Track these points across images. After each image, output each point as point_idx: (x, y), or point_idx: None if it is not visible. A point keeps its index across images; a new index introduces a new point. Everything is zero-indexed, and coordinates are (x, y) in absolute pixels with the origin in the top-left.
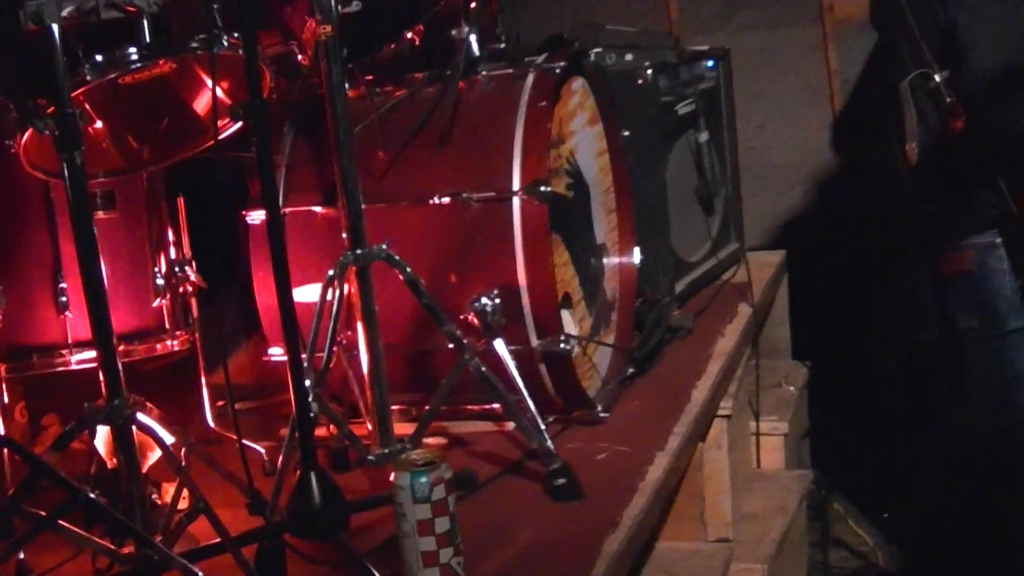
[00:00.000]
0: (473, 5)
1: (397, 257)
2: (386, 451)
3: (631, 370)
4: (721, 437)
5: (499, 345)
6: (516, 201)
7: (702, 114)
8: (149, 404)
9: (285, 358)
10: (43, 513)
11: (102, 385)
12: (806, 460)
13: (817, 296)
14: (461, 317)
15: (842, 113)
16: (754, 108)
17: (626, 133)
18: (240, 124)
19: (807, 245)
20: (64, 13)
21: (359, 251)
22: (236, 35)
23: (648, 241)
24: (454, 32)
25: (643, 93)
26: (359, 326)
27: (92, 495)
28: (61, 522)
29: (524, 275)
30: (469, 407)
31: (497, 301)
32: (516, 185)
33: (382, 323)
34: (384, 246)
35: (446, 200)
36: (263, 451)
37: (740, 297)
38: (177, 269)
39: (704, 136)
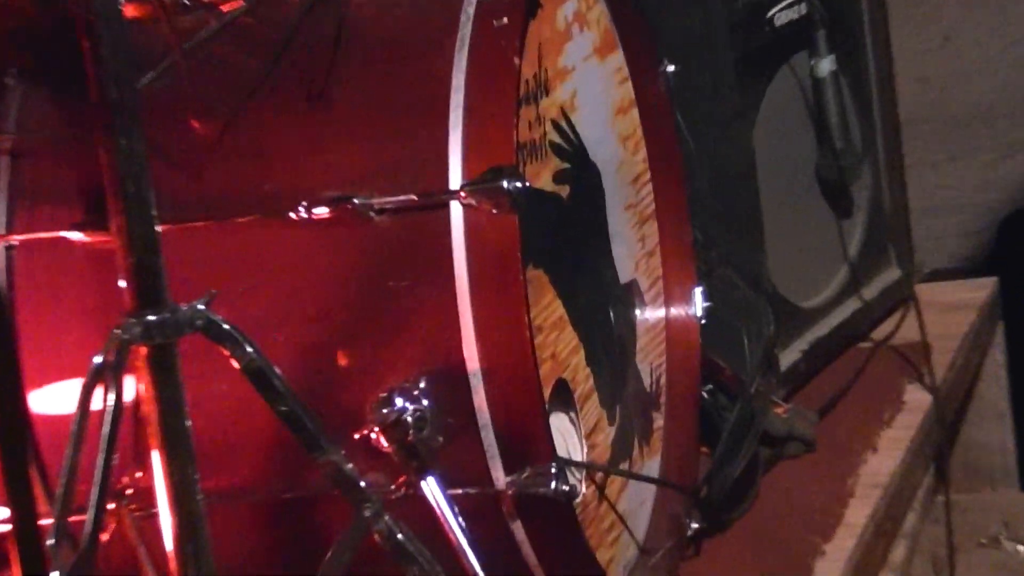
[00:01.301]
0: None
1: (228, 326)
2: None
3: (695, 524)
4: None
5: (432, 487)
6: (457, 210)
7: (821, 24)
8: None
9: (10, 526)
10: None
11: None
12: None
13: None
14: (358, 435)
15: None
16: (928, 3)
17: (671, 68)
18: None
19: None
20: None
21: (154, 316)
22: None
23: (723, 272)
24: None
25: None
26: (156, 459)
27: None
28: None
29: (477, 349)
30: None
31: (426, 403)
32: (456, 178)
33: (206, 452)
34: (202, 305)
35: (323, 211)
36: None
37: (908, 373)
38: None
39: (827, 64)
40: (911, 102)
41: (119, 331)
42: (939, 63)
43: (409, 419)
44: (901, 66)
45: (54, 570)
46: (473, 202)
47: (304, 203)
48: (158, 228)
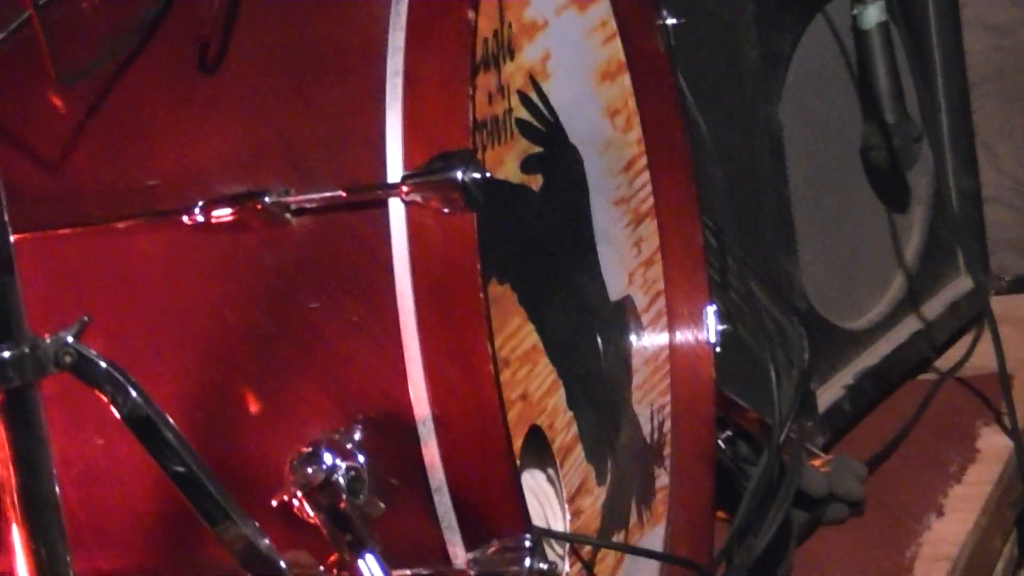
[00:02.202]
0: None
1: (105, 363)
2: None
3: None
4: None
5: (371, 567)
6: (397, 209)
7: None
8: None
9: None
10: None
11: None
12: None
13: None
14: (275, 501)
15: None
16: None
17: (671, 21)
18: None
19: None
20: None
21: (9, 351)
22: None
23: (743, 286)
24: None
25: None
26: (16, 535)
27: None
28: None
29: (426, 390)
30: None
31: (362, 459)
32: (396, 168)
33: (80, 525)
34: (71, 336)
35: (224, 212)
36: None
37: (983, 413)
38: None
39: (874, 13)
40: (984, 58)
41: None
42: (1020, 7)
43: (341, 480)
44: (971, 12)
45: None
46: (418, 198)
47: (200, 202)
48: (11, 236)
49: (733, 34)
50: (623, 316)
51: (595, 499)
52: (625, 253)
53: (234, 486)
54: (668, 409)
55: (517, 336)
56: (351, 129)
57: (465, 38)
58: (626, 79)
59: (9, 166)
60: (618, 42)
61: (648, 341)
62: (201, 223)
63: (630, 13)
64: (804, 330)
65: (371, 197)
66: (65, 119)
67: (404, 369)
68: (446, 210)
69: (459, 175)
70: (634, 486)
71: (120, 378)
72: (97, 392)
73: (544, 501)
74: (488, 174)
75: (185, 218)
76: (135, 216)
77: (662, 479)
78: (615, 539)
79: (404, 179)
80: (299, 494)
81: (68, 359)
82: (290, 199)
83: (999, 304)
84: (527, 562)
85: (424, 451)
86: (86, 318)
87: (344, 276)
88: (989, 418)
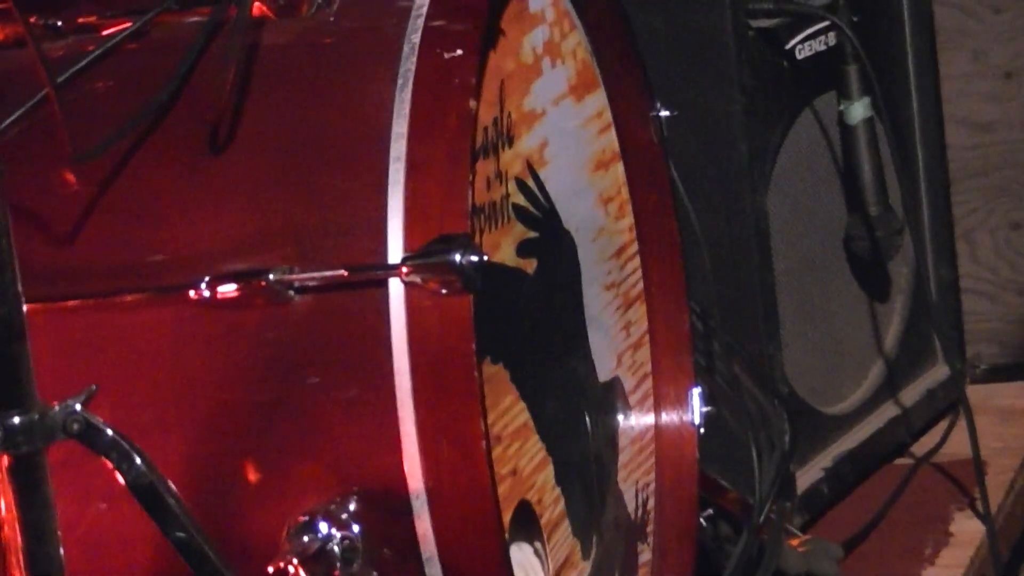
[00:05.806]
0: None
1: (111, 431)
2: None
3: None
4: None
5: None
6: (396, 289)
7: (853, 58)
8: None
9: None
10: None
11: None
12: None
13: None
14: (272, 568)
15: None
16: (986, 32)
17: (665, 113)
18: None
19: None
20: None
21: (18, 418)
22: None
23: (728, 369)
24: None
25: (709, 17)
26: None
27: None
28: None
29: (420, 464)
30: None
31: (356, 529)
32: (396, 250)
33: None
34: (79, 404)
35: (230, 288)
36: None
37: (957, 498)
38: None
39: (860, 109)
40: (965, 154)
41: None
42: (1000, 105)
43: (335, 549)
44: (954, 109)
45: None
46: (417, 279)
47: (206, 278)
48: (23, 307)
49: (724, 126)
50: (611, 397)
51: (580, 573)
52: (614, 336)
53: (233, 553)
54: (652, 487)
55: (509, 413)
56: (354, 212)
57: (466, 126)
58: (619, 168)
59: (22, 239)
60: (613, 132)
61: (635, 421)
62: (206, 299)
63: (625, 105)
64: (785, 414)
65: (371, 277)
66: (77, 195)
67: (399, 444)
68: (444, 291)
69: (457, 258)
70: (618, 561)
71: (125, 446)
72: (103, 459)
73: (531, 574)
74: (485, 257)
75: (191, 293)
76: (142, 291)
77: (645, 555)
78: None
79: (404, 260)
80: (295, 562)
81: (76, 426)
82: (293, 277)
83: (975, 392)
84: None
85: (417, 523)
86: (94, 387)
87: (344, 353)
88: (963, 503)
